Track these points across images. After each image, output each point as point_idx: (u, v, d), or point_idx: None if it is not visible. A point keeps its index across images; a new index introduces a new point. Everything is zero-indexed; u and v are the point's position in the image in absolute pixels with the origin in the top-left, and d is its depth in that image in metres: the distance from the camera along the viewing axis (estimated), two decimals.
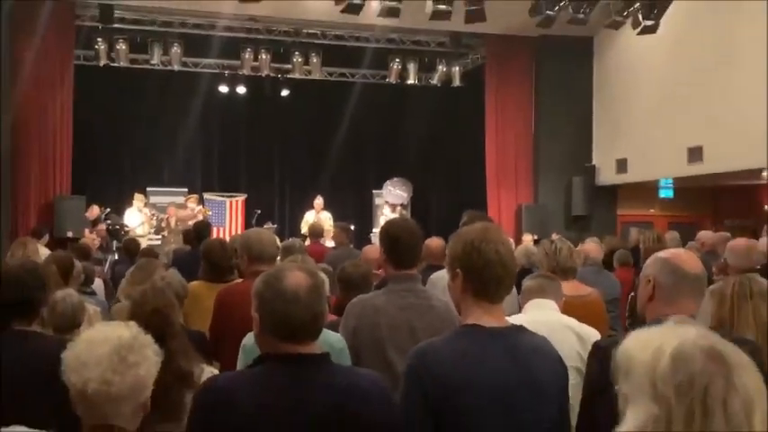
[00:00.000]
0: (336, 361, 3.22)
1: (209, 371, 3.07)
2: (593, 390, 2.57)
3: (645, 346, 1.37)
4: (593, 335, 3.35)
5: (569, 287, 4.10)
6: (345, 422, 2.13)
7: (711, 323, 3.08)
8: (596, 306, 4.42)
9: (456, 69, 15.58)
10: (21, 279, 3.02)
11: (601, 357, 2.57)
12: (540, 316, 3.32)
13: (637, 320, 3.75)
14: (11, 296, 3.00)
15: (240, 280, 4.68)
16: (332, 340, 3.24)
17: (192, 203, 14.12)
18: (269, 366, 2.19)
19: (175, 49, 14.26)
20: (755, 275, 3.89)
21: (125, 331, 2.08)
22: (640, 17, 10.99)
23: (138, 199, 14.19)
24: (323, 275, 4.57)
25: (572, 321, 3.43)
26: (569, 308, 3.66)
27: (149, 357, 2.06)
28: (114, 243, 12.63)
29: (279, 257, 4.63)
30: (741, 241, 5.60)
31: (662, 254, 2.71)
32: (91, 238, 11.10)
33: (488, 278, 2.41)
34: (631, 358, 1.38)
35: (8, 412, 2.79)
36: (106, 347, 2.01)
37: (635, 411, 1.35)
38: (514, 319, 3.14)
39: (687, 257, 2.67)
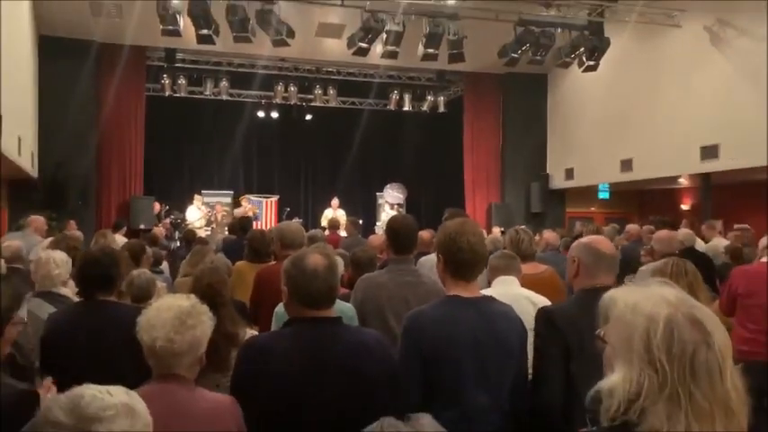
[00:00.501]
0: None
1: (250, 332, 3.06)
2: (540, 345, 2.51)
3: (634, 309, 1.28)
4: (543, 302, 3.26)
5: (528, 267, 4.05)
6: (354, 369, 2.14)
7: None
8: (551, 280, 4.32)
9: (441, 99, 15.59)
10: (99, 259, 3.00)
11: (544, 319, 2.55)
12: (505, 290, 3.27)
13: None
14: (92, 273, 2.97)
15: (275, 262, 4.68)
16: (344, 309, 3.23)
17: (245, 203, 14.15)
18: (295, 327, 2.21)
19: (223, 83, 14.27)
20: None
21: (185, 301, 2.07)
22: (584, 59, 10.96)
23: (197, 199, 14.22)
24: (338, 258, 4.60)
25: (530, 293, 3.39)
26: (528, 282, 3.61)
27: (204, 322, 2.06)
28: (176, 233, 12.64)
29: (305, 244, 4.59)
30: (665, 232, 5.60)
31: (584, 240, 2.69)
32: (159, 230, 11.07)
33: (461, 262, 2.43)
34: (621, 317, 1.29)
35: (95, 365, 2.79)
36: (170, 313, 2.01)
37: (628, 370, 1.26)
38: (484, 293, 3.15)
39: (603, 242, 2.64)
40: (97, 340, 2.80)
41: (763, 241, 4.66)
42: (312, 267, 2.17)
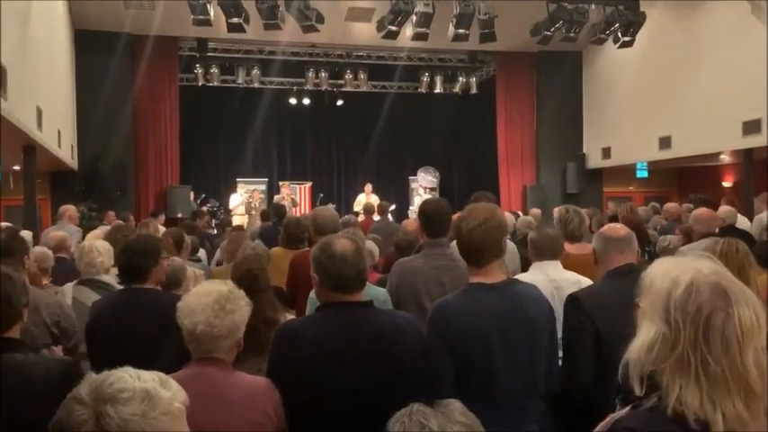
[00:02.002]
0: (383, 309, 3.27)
1: (289, 317, 3.10)
2: (570, 331, 2.55)
3: (665, 275, 1.30)
4: (572, 285, 3.22)
5: (575, 248, 3.98)
6: (387, 352, 2.16)
7: None
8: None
9: (473, 80, 15.41)
10: (133, 249, 3.07)
11: (571, 305, 2.60)
12: (532, 277, 3.21)
13: None
14: (126, 262, 3.05)
15: (309, 248, 4.73)
16: (378, 294, 3.28)
17: (285, 189, 14.32)
18: (326, 312, 2.24)
19: (255, 71, 14.35)
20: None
21: (224, 287, 2.12)
22: (620, 34, 10.73)
23: (240, 186, 14.49)
24: (370, 242, 4.63)
25: (574, 277, 3.29)
26: (573, 263, 3.55)
27: (242, 306, 2.11)
28: (213, 221, 12.84)
29: (339, 230, 4.64)
30: (704, 211, 5.46)
31: (600, 230, 2.83)
32: (203, 222, 11.23)
33: (466, 247, 2.43)
34: (652, 283, 1.31)
35: (133, 350, 2.88)
36: (210, 299, 2.06)
37: (648, 328, 1.29)
38: (521, 277, 3.15)
39: (612, 227, 2.80)
40: (133, 327, 2.89)
41: None
42: (340, 252, 2.19)
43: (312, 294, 3.31)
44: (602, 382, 2.38)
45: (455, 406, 1.55)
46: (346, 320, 2.18)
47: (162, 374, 1.29)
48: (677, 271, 1.28)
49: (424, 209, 3.55)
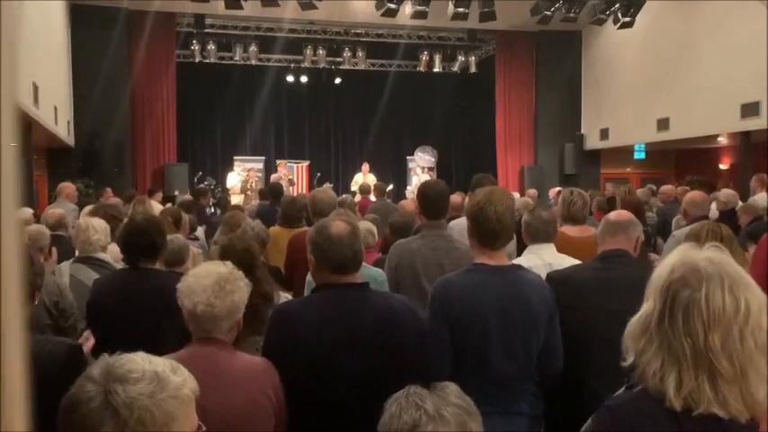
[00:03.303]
0: (379, 289, 3.28)
1: (284, 296, 3.11)
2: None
3: (669, 261, 1.31)
4: None
5: (576, 230, 3.93)
6: (383, 333, 2.18)
7: None
8: (594, 244, 4.35)
9: (472, 59, 15.30)
10: (145, 228, 3.06)
11: (551, 285, 2.66)
12: (528, 261, 3.19)
13: None
14: (139, 241, 3.04)
15: (307, 228, 4.74)
16: (375, 274, 3.29)
17: (282, 168, 14.28)
18: (322, 293, 2.25)
19: (252, 48, 14.23)
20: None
21: (223, 268, 2.12)
22: (620, 15, 10.67)
23: (237, 165, 14.50)
24: (368, 223, 4.63)
25: (555, 261, 3.27)
26: (573, 246, 3.55)
27: (241, 287, 2.11)
28: (211, 200, 12.81)
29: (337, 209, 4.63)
30: (697, 194, 5.46)
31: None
32: (206, 201, 11.19)
33: (488, 231, 2.45)
34: (658, 267, 1.33)
35: (138, 329, 2.89)
36: (210, 279, 2.06)
37: (643, 307, 1.31)
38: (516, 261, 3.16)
39: (615, 214, 2.90)
40: (140, 306, 2.90)
41: None
42: (336, 234, 2.20)
43: (309, 277, 3.33)
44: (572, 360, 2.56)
45: (451, 389, 1.57)
46: (342, 302, 2.19)
47: (174, 362, 1.30)
48: (676, 256, 1.30)
49: (424, 190, 3.55)
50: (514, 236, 4.75)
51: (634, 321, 1.30)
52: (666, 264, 1.30)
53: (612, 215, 2.84)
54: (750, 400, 1.18)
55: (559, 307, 2.55)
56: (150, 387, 1.18)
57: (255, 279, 2.90)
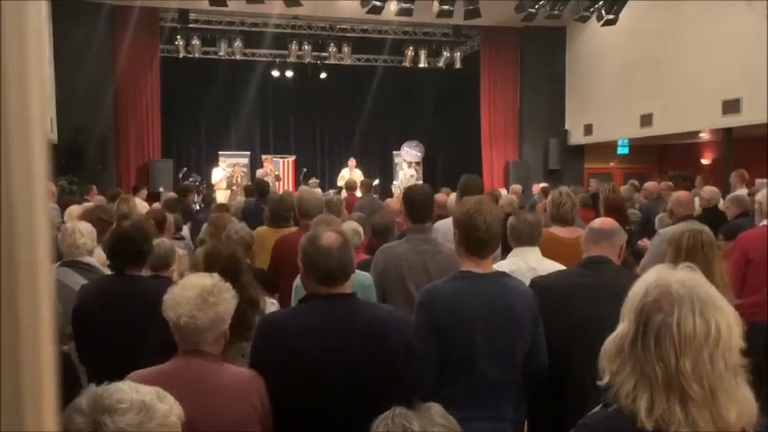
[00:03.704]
0: (366, 294, 3.30)
1: (270, 301, 3.09)
2: None
3: (642, 280, 1.32)
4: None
5: (565, 231, 3.91)
6: (370, 344, 2.19)
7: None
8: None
9: (457, 55, 15.28)
10: (132, 235, 3.05)
11: (534, 291, 2.70)
12: (512, 265, 3.24)
13: None
14: (125, 249, 3.03)
15: (295, 228, 4.73)
16: (362, 279, 3.29)
17: (267, 164, 14.20)
18: (310, 304, 2.27)
19: (237, 43, 14.14)
20: (705, 227, 3.89)
21: (208, 280, 2.12)
22: (603, 13, 10.73)
23: (223, 160, 14.45)
24: (354, 223, 4.63)
25: (539, 265, 3.29)
26: (562, 247, 3.56)
27: (226, 299, 2.11)
28: (196, 196, 12.74)
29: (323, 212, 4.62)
30: (683, 194, 5.51)
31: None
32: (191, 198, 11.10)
33: (477, 240, 2.48)
34: (634, 287, 1.34)
35: (125, 336, 2.89)
36: (194, 292, 2.06)
37: (618, 327, 1.32)
38: (503, 263, 3.19)
39: (599, 221, 2.94)
40: (126, 313, 2.90)
41: (760, 203, 4.49)
42: (326, 245, 2.21)
43: (297, 282, 3.33)
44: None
45: (435, 409, 1.60)
46: (329, 312, 2.20)
47: (161, 390, 1.31)
48: (653, 276, 1.31)
49: (408, 195, 3.57)
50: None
51: (610, 341, 1.32)
52: (641, 284, 1.31)
53: (597, 223, 2.87)
54: (721, 422, 1.20)
55: (543, 313, 2.58)
56: (138, 417, 1.19)
57: (241, 285, 2.89)
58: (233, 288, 2.77)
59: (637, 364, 1.24)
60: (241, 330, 2.61)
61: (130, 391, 1.24)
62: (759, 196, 4.57)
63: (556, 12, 10.48)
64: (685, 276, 1.29)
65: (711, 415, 1.20)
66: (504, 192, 10.56)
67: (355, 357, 2.15)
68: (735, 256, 4.24)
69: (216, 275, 2.17)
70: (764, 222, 4.37)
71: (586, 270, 2.74)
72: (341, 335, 2.16)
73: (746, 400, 1.24)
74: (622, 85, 12.71)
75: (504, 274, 2.60)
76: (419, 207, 3.49)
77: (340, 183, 13.59)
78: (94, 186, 9.93)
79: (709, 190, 7.07)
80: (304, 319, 2.22)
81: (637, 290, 1.31)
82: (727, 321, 1.24)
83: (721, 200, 7.38)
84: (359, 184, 9.96)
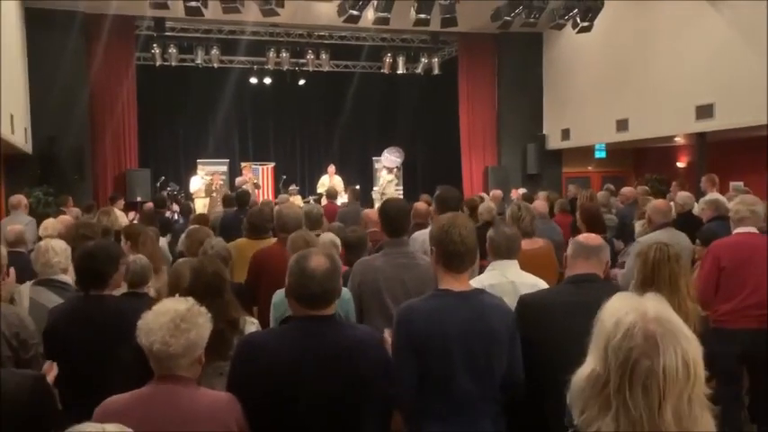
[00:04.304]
0: (345, 308, 3.30)
1: (250, 320, 3.07)
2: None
3: (613, 313, 1.33)
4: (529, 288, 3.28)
5: (526, 243, 3.98)
6: (349, 366, 2.20)
7: (637, 278, 3.14)
8: (546, 255, 4.45)
9: (435, 61, 15.37)
10: (93, 255, 3.03)
11: (519, 308, 2.73)
12: (491, 278, 3.27)
13: None
14: (86, 268, 3.01)
15: (274, 239, 4.70)
16: (341, 293, 3.28)
17: (246, 171, 14.09)
18: (290, 325, 2.28)
19: (214, 51, 14.06)
20: (674, 238, 3.93)
21: (182, 306, 2.11)
22: (578, 20, 10.84)
23: (201, 169, 14.37)
24: (332, 234, 4.61)
25: (532, 280, 3.34)
26: (524, 258, 3.57)
27: (199, 325, 2.09)
28: (174, 205, 12.64)
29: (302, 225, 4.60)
30: (662, 203, 5.59)
31: (576, 237, 2.97)
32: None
33: (453, 253, 2.48)
34: (602, 319, 1.35)
35: (95, 358, 2.85)
36: (166, 318, 2.05)
37: (589, 362, 1.33)
38: (482, 278, 3.20)
39: (588, 236, 2.93)
40: (94, 333, 2.88)
41: (734, 211, 4.55)
42: (311, 269, 2.21)
43: (276, 297, 3.32)
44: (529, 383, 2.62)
45: None
46: (307, 335, 2.20)
47: (122, 426, 1.29)
48: (624, 311, 1.32)
49: (385, 209, 3.59)
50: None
51: (582, 381, 1.32)
52: (612, 318, 1.31)
53: (583, 238, 2.87)
54: None
55: (532, 330, 2.60)
56: None
57: (223, 303, 2.89)
58: (215, 305, 2.78)
59: (620, 409, 1.25)
60: (220, 349, 2.60)
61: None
62: (731, 205, 4.64)
63: (531, 19, 10.58)
64: (659, 310, 1.31)
65: None
66: (486, 197, 10.62)
67: (334, 379, 2.16)
68: (707, 265, 4.31)
69: (190, 299, 2.16)
70: (738, 230, 4.43)
71: (576, 287, 2.72)
72: (319, 357, 2.16)
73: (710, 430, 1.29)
74: (599, 91, 12.85)
75: (481, 291, 2.61)
76: (395, 220, 3.51)
77: (320, 190, 13.59)
78: (71, 197, 9.79)
79: (683, 195, 7.20)
80: (283, 340, 2.22)
81: (610, 327, 1.31)
82: (698, 353, 1.28)
83: (696, 204, 7.50)
84: (346, 191, 9.96)
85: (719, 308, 4.22)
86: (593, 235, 2.98)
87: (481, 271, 3.49)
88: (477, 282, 3.08)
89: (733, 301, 4.17)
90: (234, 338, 2.85)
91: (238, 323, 3.00)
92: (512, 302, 2.80)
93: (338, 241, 4.67)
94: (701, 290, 4.15)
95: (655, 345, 1.26)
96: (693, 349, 1.27)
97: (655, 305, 1.32)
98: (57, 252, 3.85)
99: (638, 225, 6.05)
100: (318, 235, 4.43)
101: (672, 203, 6.95)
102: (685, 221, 6.27)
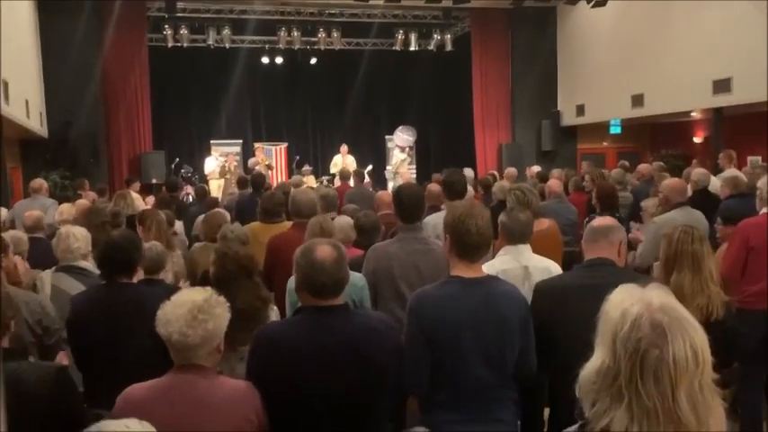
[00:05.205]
0: (359, 295, 3.33)
1: (271, 306, 3.12)
2: (536, 323, 2.68)
3: (618, 305, 1.34)
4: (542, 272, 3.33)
5: (534, 224, 4.03)
6: (363, 355, 2.23)
7: (661, 259, 3.13)
8: (552, 236, 4.46)
9: (448, 37, 15.17)
10: (120, 245, 3.07)
11: (536, 295, 2.75)
12: (504, 264, 3.29)
13: None
14: (114, 258, 3.05)
15: (290, 223, 4.74)
16: (355, 280, 3.30)
17: (259, 153, 14.09)
18: (304, 316, 2.30)
19: (226, 31, 13.98)
20: (691, 217, 3.89)
21: (199, 296, 2.14)
22: None
23: (215, 150, 14.41)
24: (347, 218, 4.63)
25: (531, 263, 3.35)
26: (533, 239, 3.54)
27: (217, 315, 2.12)
28: (188, 187, 12.72)
29: (318, 210, 4.62)
30: (676, 181, 5.50)
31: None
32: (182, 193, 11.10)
33: (467, 244, 2.49)
34: (607, 311, 1.35)
35: (119, 346, 2.91)
36: (184, 309, 2.09)
37: (598, 354, 1.34)
38: (495, 262, 3.21)
39: (598, 221, 2.92)
40: (119, 322, 2.93)
41: (764, 189, 4.49)
42: (320, 260, 2.23)
43: (290, 283, 3.35)
44: (541, 367, 2.65)
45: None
46: (322, 326, 2.23)
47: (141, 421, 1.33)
48: (629, 302, 1.33)
49: (399, 195, 3.59)
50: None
51: (592, 374, 1.33)
52: (618, 310, 1.33)
53: (595, 222, 2.88)
54: None
55: (547, 315, 2.62)
56: None
57: (255, 284, 2.96)
58: (249, 285, 2.83)
59: (633, 399, 1.27)
60: (253, 325, 2.65)
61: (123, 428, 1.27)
62: (760, 183, 4.54)
63: None
64: (664, 301, 1.32)
65: None
66: (496, 175, 10.56)
67: (348, 368, 2.19)
68: (735, 244, 4.23)
69: (208, 289, 2.19)
70: (765, 210, 4.34)
71: (589, 272, 2.73)
72: (334, 347, 2.20)
73: (721, 418, 1.31)
74: (613, 66, 12.67)
75: (494, 278, 2.62)
76: (409, 207, 3.52)
77: (333, 170, 13.59)
78: (87, 181, 9.90)
79: (698, 172, 7.08)
80: (298, 331, 2.25)
81: (617, 318, 1.32)
82: (705, 341, 1.30)
83: (712, 178, 7.41)
84: (352, 174, 9.95)
85: (747, 289, 4.15)
86: (606, 218, 2.98)
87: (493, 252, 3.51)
88: (489, 266, 3.09)
89: (761, 282, 4.10)
90: (268, 316, 2.92)
91: (269, 300, 3.07)
92: (523, 286, 2.81)
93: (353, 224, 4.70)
94: (729, 269, 4.12)
95: (663, 334, 1.27)
96: (700, 337, 1.29)
97: (659, 294, 1.33)
98: (77, 238, 3.90)
99: (651, 202, 5.94)
100: (333, 218, 4.47)
101: (689, 182, 6.88)
102: (701, 199, 6.20)
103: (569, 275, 2.91)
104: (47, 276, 3.88)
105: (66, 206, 6.34)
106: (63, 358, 3.13)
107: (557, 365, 2.57)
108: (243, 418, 2.08)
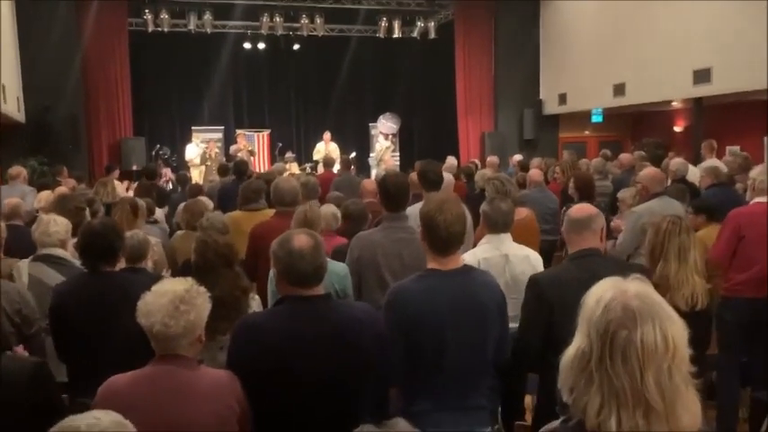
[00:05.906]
0: (342, 284, 3.33)
1: (250, 295, 3.11)
2: (526, 315, 2.69)
3: (595, 293, 1.36)
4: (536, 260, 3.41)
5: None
6: (346, 344, 2.23)
7: (647, 248, 3.18)
8: (530, 225, 4.55)
9: (431, 25, 15.17)
10: (102, 233, 3.04)
11: (532, 288, 2.73)
12: (485, 252, 3.33)
13: None
14: (96, 245, 3.02)
15: (272, 212, 4.71)
16: (337, 269, 3.32)
17: (241, 139, 13.97)
18: (285, 306, 2.29)
19: (207, 16, 13.86)
20: (669, 206, 3.92)
21: (180, 287, 2.12)
22: None
23: (196, 136, 14.25)
24: (332, 206, 4.62)
25: (511, 251, 3.40)
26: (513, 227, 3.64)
27: (198, 305, 2.11)
28: (168, 171, 12.59)
29: (300, 200, 4.60)
30: (653, 170, 5.52)
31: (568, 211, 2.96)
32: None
33: (438, 239, 2.51)
34: (586, 301, 1.37)
35: (103, 335, 2.89)
36: (165, 299, 2.07)
37: (575, 341, 1.36)
38: (476, 251, 3.23)
39: (577, 208, 2.91)
40: (103, 310, 2.91)
41: (756, 179, 4.52)
42: (298, 249, 2.22)
43: (273, 273, 3.34)
44: (551, 355, 2.58)
45: (401, 424, 1.64)
46: (304, 314, 2.23)
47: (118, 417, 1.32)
48: (605, 290, 1.35)
49: (384, 184, 3.59)
50: (469, 215, 4.89)
51: (570, 357, 1.35)
52: (595, 297, 1.35)
53: (572, 211, 2.86)
54: (676, 430, 1.27)
55: (548, 307, 2.63)
56: None
57: (235, 274, 2.95)
58: (229, 275, 2.82)
59: (604, 380, 1.28)
60: (233, 315, 2.64)
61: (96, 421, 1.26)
62: (753, 173, 4.56)
63: None
64: (640, 289, 1.34)
65: (668, 424, 1.27)
66: (478, 164, 10.60)
67: (331, 358, 2.19)
68: (727, 233, 4.26)
69: (189, 280, 2.18)
70: (758, 200, 4.35)
71: (577, 264, 2.73)
72: (317, 337, 2.20)
73: (695, 406, 1.32)
74: (596, 55, 12.73)
75: (470, 268, 2.64)
76: (394, 196, 3.53)
77: (316, 156, 13.54)
78: (65, 168, 9.75)
79: (676, 162, 7.15)
80: (280, 321, 2.24)
81: (592, 305, 1.34)
82: (681, 333, 1.31)
83: (691, 167, 7.47)
84: (338, 160, 9.91)
85: (734, 277, 4.20)
86: (584, 205, 2.99)
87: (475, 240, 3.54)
88: (471, 255, 3.12)
89: (749, 270, 4.14)
90: (248, 305, 2.91)
91: (250, 290, 3.06)
92: (504, 274, 2.82)
93: (338, 213, 4.69)
94: (719, 257, 4.17)
95: (633, 317, 1.28)
96: (676, 329, 1.30)
97: (637, 285, 1.35)
98: (57, 224, 3.84)
99: (628, 193, 5.92)
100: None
101: (667, 172, 6.93)
102: (678, 189, 6.26)
103: (564, 269, 2.84)
104: (24, 266, 3.82)
105: (45, 193, 6.25)
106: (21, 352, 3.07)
107: (554, 361, 2.58)
108: (225, 406, 2.08)
